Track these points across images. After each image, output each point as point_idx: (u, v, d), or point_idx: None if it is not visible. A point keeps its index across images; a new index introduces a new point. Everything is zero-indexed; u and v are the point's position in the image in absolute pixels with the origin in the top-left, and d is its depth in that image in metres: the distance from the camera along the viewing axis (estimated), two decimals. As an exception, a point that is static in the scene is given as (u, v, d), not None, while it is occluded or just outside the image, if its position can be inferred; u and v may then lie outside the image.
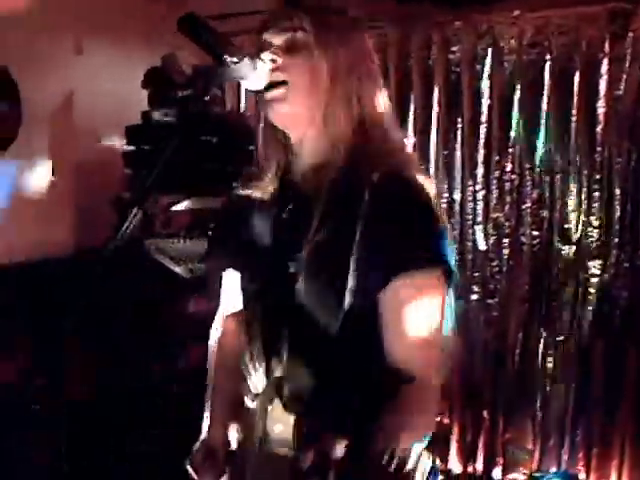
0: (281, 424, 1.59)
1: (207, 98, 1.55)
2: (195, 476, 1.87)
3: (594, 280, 3.91)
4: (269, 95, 1.65)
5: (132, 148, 4.18)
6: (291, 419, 1.57)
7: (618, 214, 3.83)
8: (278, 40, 1.66)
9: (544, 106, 3.95)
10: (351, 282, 1.54)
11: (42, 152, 4.47)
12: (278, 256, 1.68)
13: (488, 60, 4.05)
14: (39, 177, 4.40)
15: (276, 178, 1.78)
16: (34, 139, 4.36)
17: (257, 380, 1.70)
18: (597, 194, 3.86)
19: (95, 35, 4.49)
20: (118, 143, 4.38)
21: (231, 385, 1.86)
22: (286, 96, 1.64)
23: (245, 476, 1.73)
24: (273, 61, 1.63)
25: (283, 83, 1.64)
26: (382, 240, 1.54)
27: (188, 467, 1.89)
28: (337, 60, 1.63)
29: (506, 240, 4.10)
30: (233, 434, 1.88)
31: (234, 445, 1.88)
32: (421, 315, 1.56)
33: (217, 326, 2.01)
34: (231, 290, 1.93)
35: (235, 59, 1.56)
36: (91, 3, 4.40)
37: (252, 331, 1.74)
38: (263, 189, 1.78)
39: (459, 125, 4.18)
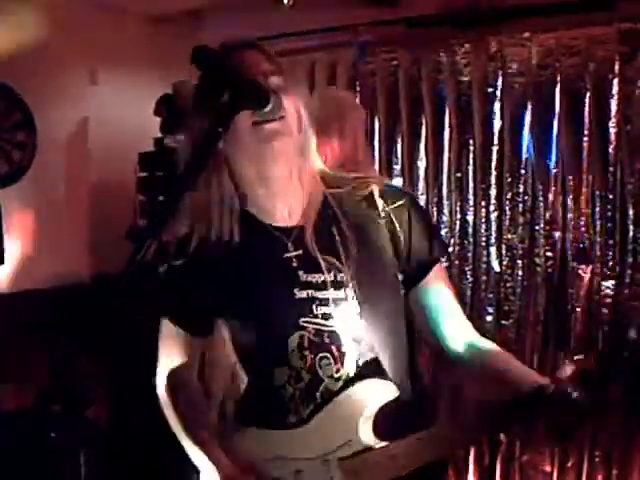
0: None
1: (221, 130, 1.56)
2: None
3: (608, 300, 3.89)
4: (277, 126, 1.65)
5: (145, 174, 4.22)
6: None
7: (631, 234, 3.82)
8: (267, 76, 1.68)
9: (555, 127, 3.95)
10: (401, 277, 1.77)
11: (57, 180, 4.51)
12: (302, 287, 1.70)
13: (499, 82, 4.07)
14: (54, 205, 4.43)
15: (232, 216, 1.73)
16: (49, 167, 4.41)
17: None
18: (610, 214, 3.85)
19: (109, 65, 4.55)
20: (132, 170, 4.42)
21: (212, 432, 1.81)
22: (287, 130, 1.66)
23: None
24: (279, 88, 1.67)
25: (283, 119, 1.66)
26: (415, 238, 1.76)
27: None
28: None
29: (520, 261, 4.09)
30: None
31: None
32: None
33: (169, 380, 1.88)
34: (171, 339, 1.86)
35: (247, 92, 1.58)
36: (105, 34, 4.47)
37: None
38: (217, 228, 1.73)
39: (471, 147, 4.19)
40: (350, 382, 1.66)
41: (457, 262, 4.25)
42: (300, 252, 1.71)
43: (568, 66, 3.91)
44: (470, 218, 4.22)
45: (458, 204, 4.25)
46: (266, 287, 1.71)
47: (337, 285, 1.69)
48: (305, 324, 1.68)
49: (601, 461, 3.96)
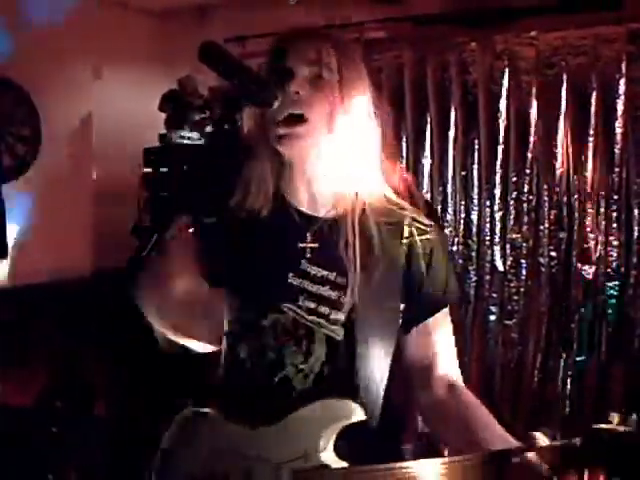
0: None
1: (227, 126, 1.55)
2: None
3: (613, 301, 3.88)
4: (287, 130, 1.63)
5: (150, 170, 4.20)
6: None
7: (636, 234, 3.81)
8: (303, 71, 1.64)
9: (561, 126, 3.94)
10: (402, 307, 1.72)
11: (61, 174, 4.51)
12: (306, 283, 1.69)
13: (505, 80, 4.06)
14: (58, 199, 4.43)
15: (269, 201, 1.73)
16: (53, 162, 4.41)
17: None
18: (615, 214, 3.84)
19: (114, 60, 4.54)
20: (136, 165, 4.42)
21: None
22: (304, 133, 1.63)
23: None
24: (296, 92, 1.63)
25: (303, 120, 1.63)
26: (429, 278, 1.74)
27: None
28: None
29: (524, 261, 4.08)
30: None
31: None
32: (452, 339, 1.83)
33: None
34: None
35: (254, 87, 1.56)
36: (110, 29, 4.46)
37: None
38: (255, 211, 1.73)
39: (476, 146, 4.18)
40: (307, 381, 1.65)
41: (461, 261, 4.24)
42: (316, 245, 1.70)
43: (575, 65, 3.90)
44: (474, 217, 4.21)
45: (463, 203, 4.24)
46: (265, 261, 1.70)
47: (335, 288, 1.67)
48: (286, 309, 1.67)
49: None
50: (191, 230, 1.67)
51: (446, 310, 1.79)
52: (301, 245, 1.70)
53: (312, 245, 1.70)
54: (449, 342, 1.80)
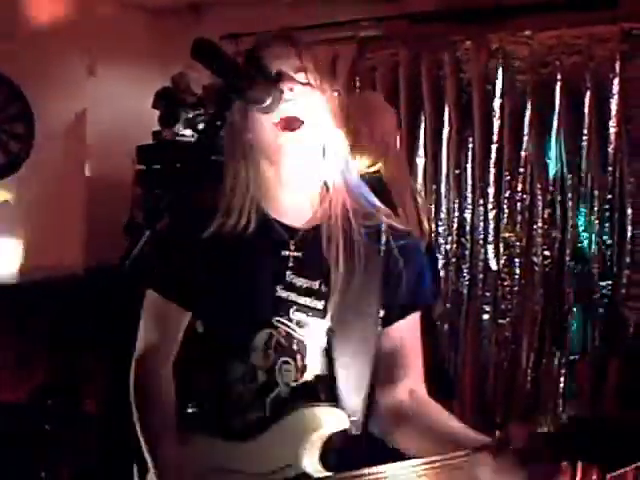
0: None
1: (219, 123, 1.55)
2: None
3: (606, 300, 3.89)
4: (288, 136, 1.61)
5: (143, 167, 4.20)
6: None
7: (629, 234, 3.81)
8: (294, 72, 1.63)
9: (555, 125, 3.94)
10: (381, 312, 1.71)
11: (55, 171, 4.50)
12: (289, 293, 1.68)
13: (499, 79, 4.06)
14: (51, 196, 4.42)
15: (248, 212, 1.69)
16: (47, 159, 4.40)
17: None
18: (608, 214, 3.85)
19: (108, 57, 4.53)
20: (130, 163, 4.41)
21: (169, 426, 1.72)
22: (302, 137, 1.62)
23: None
24: (290, 90, 1.61)
25: (300, 122, 1.61)
26: (408, 279, 1.72)
27: None
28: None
29: (517, 260, 4.09)
30: None
31: None
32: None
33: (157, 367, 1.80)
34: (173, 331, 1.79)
35: (247, 85, 1.55)
36: (104, 26, 4.46)
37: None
38: (233, 224, 1.69)
39: (470, 144, 4.18)
40: (301, 399, 1.62)
41: (454, 260, 4.25)
42: (299, 254, 1.68)
43: (569, 64, 3.90)
44: (468, 216, 4.21)
45: (456, 201, 4.24)
46: (249, 277, 1.68)
47: (320, 297, 1.66)
48: (278, 324, 1.65)
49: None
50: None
51: (416, 315, 1.77)
52: (284, 255, 1.68)
53: (295, 254, 1.68)
54: (417, 346, 1.77)
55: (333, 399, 1.64)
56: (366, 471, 1.48)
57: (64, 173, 4.54)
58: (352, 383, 1.66)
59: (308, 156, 1.66)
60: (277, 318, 1.65)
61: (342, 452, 1.60)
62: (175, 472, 1.63)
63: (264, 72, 1.61)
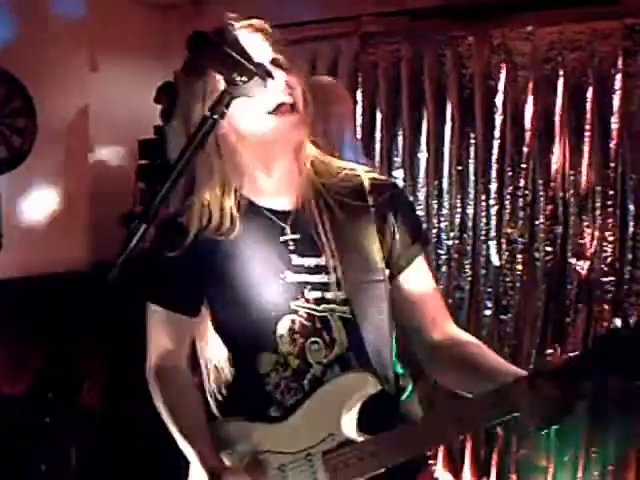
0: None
1: (216, 117, 1.54)
2: None
3: (608, 296, 3.88)
4: (281, 118, 1.63)
5: (145, 162, 4.20)
6: None
7: (631, 230, 3.81)
8: (282, 61, 1.67)
9: (557, 121, 3.93)
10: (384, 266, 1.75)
11: (57, 166, 4.50)
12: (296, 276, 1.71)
13: (502, 75, 4.05)
14: (54, 191, 4.43)
15: (230, 199, 1.71)
16: (49, 153, 4.40)
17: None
18: (610, 210, 3.84)
19: (109, 52, 4.53)
20: (132, 157, 4.41)
21: (202, 420, 1.76)
22: (296, 123, 1.65)
23: None
24: (285, 82, 1.64)
25: (295, 109, 1.64)
26: (401, 228, 1.77)
27: None
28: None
29: (520, 256, 4.08)
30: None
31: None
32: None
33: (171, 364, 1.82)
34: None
35: (245, 78, 1.55)
36: (106, 21, 4.45)
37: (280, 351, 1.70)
38: (218, 212, 1.71)
39: (472, 140, 4.17)
40: (334, 371, 1.67)
41: (456, 256, 4.24)
42: (297, 236, 1.71)
43: (571, 60, 3.89)
44: (470, 212, 4.21)
45: (458, 197, 4.23)
46: (257, 270, 1.70)
47: (328, 271, 1.69)
48: (297, 308, 1.68)
49: (597, 457, 3.95)
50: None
51: (422, 258, 1.82)
52: (283, 240, 1.71)
53: (294, 237, 1.71)
54: (432, 287, 1.83)
55: (365, 364, 1.68)
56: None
57: (67, 167, 4.54)
58: (376, 342, 1.69)
59: (294, 140, 1.68)
60: (294, 302, 1.69)
61: (379, 415, 1.64)
62: (216, 459, 1.65)
63: (255, 61, 1.61)
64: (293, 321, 1.68)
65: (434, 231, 4.25)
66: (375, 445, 1.60)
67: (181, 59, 1.74)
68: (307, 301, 1.68)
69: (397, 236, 1.76)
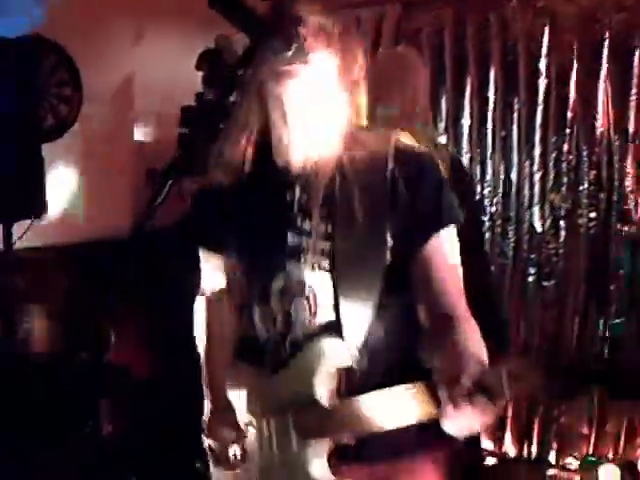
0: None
1: (241, 73, 1.56)
2: (215, 445, 1.89)
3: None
4: (290, 67, 1.63)
5: (186, 130, 4.22)
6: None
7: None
8: (309, 20, 1.64)
9: (602, 85, 3.87)
10: (390, 242, 1.68)
11: (103, 135, 4.55)
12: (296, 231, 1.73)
13: (545, 39, 3.99)
14: (98, 159, 4.48)
15: (249, 140, 1.77)
16: (94, 122, 4.45)
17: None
18: (657, 174, 3.78)
19: (153, 20, 4.56)
20: (175, 125, 4.44)
21: (226, 355, 1.92)
22: (305, 74, 1.64)
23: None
24: (305, 40, 1.61)
25: (306, 61, 1.62)
26: (418, 201, 1.68)
27: (205, 439, 1.92)
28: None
29: (563, 222, 4.04)
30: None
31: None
32: (456, 264, 1.73)
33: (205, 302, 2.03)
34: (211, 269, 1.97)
35: (268, 36, 1.56)
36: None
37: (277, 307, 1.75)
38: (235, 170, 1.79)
39: (516, 105, 4.13)
40: (316, 337, 1.69)
41: (499, 222, 4.22)
42: (305, 199, 1.72)
43: (617, 22, 3.82)
44: (514, 177, 4.17)
45: (502, 163, 4.20)
46: (261, 225, 1.76)
47: (328, 238, 1.69)
48: (291, 269, 1.71)
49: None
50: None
51: (444, 235, 1.70)
52: (290, 199, 1.73)
53: (301, 199, 1.73)
54: (449, 268, 1.71)
55: (341, 336, 1.68)
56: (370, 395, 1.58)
57: (112, 136, 4.59)
58: (356, 319, 1.68)
59: (319, 102, 1.68)
60: (289, 264, 1.71)
61: (351, 385, 1.66)
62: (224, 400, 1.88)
63: (286, 23, 1.62)
64: (285, 281, 1.71)
65: (477, 197, 4.22)
66: (347, 409, 1.62)
67: (224, 26, 1.76)
68: (300, 264, 1.70)
69: (411, 211, 1.67)
